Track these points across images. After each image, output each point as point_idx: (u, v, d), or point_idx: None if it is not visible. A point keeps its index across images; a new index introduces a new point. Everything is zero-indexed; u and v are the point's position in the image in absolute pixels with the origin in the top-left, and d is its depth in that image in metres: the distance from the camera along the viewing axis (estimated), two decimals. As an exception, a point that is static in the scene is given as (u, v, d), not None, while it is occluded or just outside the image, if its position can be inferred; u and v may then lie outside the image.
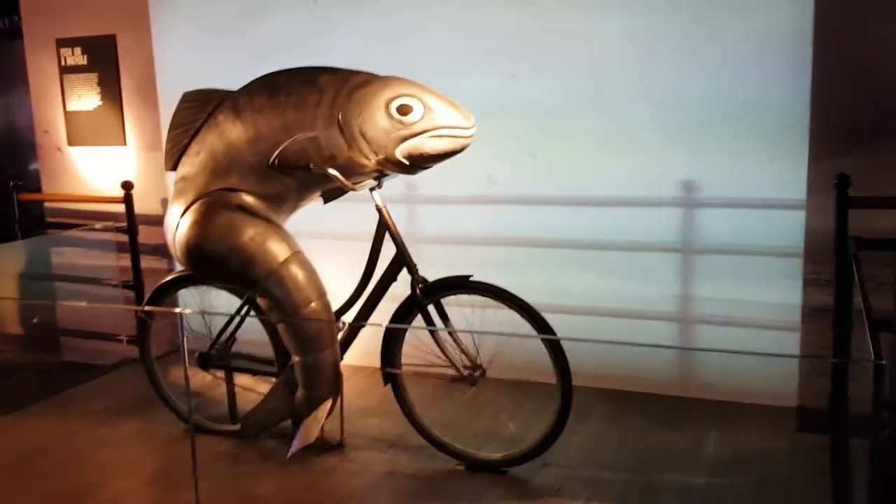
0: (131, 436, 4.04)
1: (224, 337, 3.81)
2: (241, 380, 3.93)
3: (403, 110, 3.18)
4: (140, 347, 4.05)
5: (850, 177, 3.31)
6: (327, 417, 3.56)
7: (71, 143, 5.27)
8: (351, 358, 3.68)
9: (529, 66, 4.24)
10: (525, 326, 3.31)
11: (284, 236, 3.45)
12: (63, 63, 5.17)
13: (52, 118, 5.32)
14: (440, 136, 3.19)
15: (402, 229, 3.51)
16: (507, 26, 4.24)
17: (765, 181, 3.90)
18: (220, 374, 3.93)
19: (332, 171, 3.25)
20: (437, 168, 3.35)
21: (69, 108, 5.22)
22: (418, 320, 3.44)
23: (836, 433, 3.43)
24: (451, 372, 3.41)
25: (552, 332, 3.27)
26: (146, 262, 5.07)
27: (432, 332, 3.39)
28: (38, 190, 5.57)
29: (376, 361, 3.58)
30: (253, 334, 3.77)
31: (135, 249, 4.98)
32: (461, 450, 3.54)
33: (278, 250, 3.38)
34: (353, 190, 3.36)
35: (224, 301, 3.89)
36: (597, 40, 4.10)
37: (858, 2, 3.51)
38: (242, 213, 3.39)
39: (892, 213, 3.44)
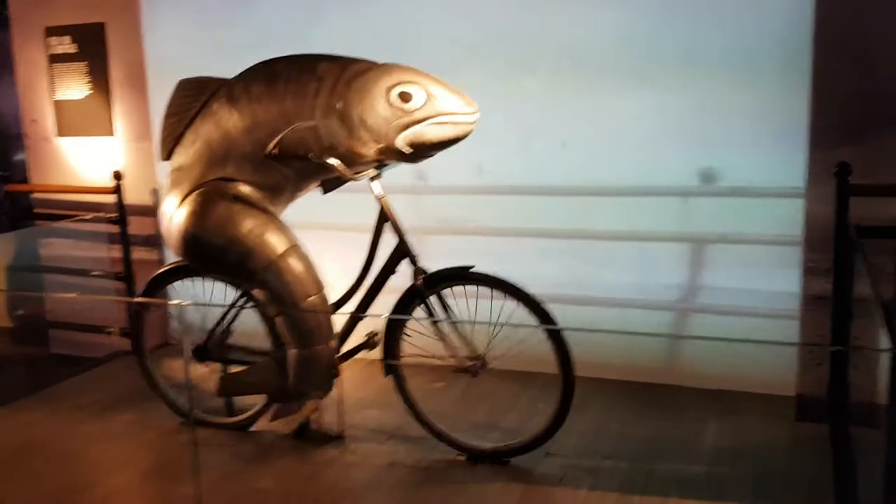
0: (124, 429, 3.98)
1: (220, 329, 3.76)
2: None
3: (404, 97, 3.13)
4: (133, 340, 4.00)
5: (850, 165, 3.32)
6: (307, 416, 3.52)
7: (59, 133, 5.18)
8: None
9: (530, 58, 4.21)
10: (527, 317, 3.28)
11: (283, 228, 3.40)
12: (52, 52, 5.08)
13: (39, 108, 5.22)
14: (443, 123, 3.14)
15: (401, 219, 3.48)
16: (504, 17, 4.21)
17: (764, 170, 3.90)
18: (216, 366, 3.88)
19: (331, 160, 3.20)
20: (438, 157, 3.31)
21: (57, 97, 5.14)
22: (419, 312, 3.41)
23: (835, 422, 3.44)
24: (453, 363, 3.39)
25: (554, 322, 3.25)
26: (136, 253, 5.02)
27: (434, 323, 3.37)
28: (24, 181, 5.47)
29: (375, 353, 3.56)
30: (249, 326, 3.73)
31: (125, 240, 4.94)
32: (462, 440, 3.52)
33: (277, 243, 3.33)
34: (354, 180, 3.31)
35: (218, 292, 3.83)
36: (596, 31, 4.08)
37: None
38: (240, 204, 3.34)
39: (890, 201, 3.46)
